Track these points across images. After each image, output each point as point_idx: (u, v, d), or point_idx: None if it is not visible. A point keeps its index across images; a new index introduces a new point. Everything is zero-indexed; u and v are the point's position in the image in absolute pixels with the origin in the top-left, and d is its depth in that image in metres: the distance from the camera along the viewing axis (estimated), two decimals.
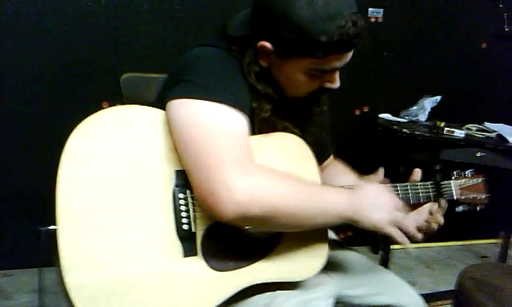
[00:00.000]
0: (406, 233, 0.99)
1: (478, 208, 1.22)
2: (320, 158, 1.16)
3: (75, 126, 0.84)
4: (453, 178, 1.20)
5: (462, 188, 1.19)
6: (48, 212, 0.81)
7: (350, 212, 0.93)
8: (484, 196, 1.21)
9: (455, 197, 1.18)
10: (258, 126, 0.99)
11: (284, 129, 1.03)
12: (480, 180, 1.22)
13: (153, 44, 2.11)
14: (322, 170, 1.16)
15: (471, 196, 1.20)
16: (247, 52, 0.97)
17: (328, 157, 1.29)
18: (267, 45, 0.94)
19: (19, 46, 1.94)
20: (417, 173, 1.14)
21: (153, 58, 2.11)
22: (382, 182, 1.08)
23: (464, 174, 1.22)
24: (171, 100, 0.89)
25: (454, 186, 1.19)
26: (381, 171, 1.12)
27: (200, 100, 0.86)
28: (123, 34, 2.07)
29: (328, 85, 1.00)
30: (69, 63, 2.01)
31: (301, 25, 0.88)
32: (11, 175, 2.05)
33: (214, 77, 0.91)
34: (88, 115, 0.86)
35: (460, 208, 1.20)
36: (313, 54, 0.91)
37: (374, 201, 0.96)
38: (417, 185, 1.12)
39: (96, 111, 0.87)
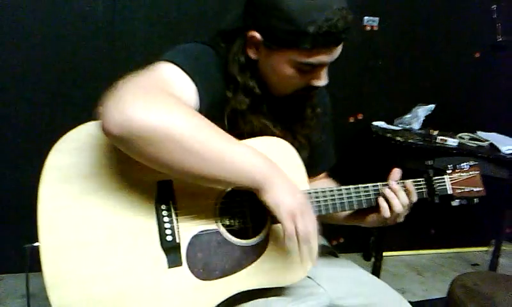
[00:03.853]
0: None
1: (475, 201, 1.20)
2: (310, 170, 1.08)
3: (65, 132, 0.84)
4: (447, 172, 1.18)
5: (457, 183, 1.18)
6: (36, 217, 0.81)
7: (261, 178, 0.85)
8: (481, 189, 1.20)
9: (449, 192, 1.16)
10: (230, 116, 0.98)
11: (263, 127, 1.01)
12: (476, 172, 1.20)
13: (150, 50, 2.10)
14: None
15: (467, 189, 1.18)
16: (235, 42, 0.98)
17: (318, 174, 1.23)
18: (257, 35, 0.94)
19: (15, 50, 1.93)
20: (396, 173, 1.10)
21: (150, 64, 2.11)
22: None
23: (460, 167, 1.19)
24: None
25: (448, 181, 1.17)
26: (397, 171, 1.09)
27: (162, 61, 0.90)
28: (120, 39, 2.06)
29: (315, 82, 0.98)
30: (65, 68, 2.00)
31: (290, 15, 0.88)
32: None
33: (186, 56, 0.93)
34: (81, 121, 0.86)
35: (457, 202, 1.18)
36: (301, 45, 0.90)
37: (289, 185, 0.88)
38: (404, 183, 1.10)
39: (91, 116, 0.85)
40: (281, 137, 1.03)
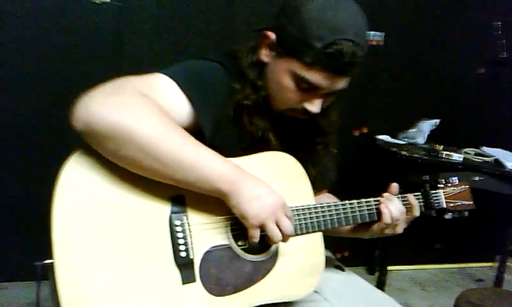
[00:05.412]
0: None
1: (466, 214, 1.23)
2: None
3: (75, 143, 0.84)
4: (441, 186, 1.21)
5: (450, 197, 1.20)
6: (42, 226, 0.80)
7: (225, 186, 0.84)
8: (470, 203, 1.23)
9: (443, 206, 1.19)
10: (235, 112, 0.98)
11: (265, 132, 1.00)
12: (466, 187, 1.23)
13: (157, 62, 2.12)
14: None
15: (458, 203, 1.21)
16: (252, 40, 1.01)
17: (319, 191, 1.19)
18: (272, 35, 0.96)
19: (23, 60, 1.95)
20: (394, 188, 1.10)
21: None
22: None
23: (451, 182, 1.22)
24: None
25: (443, 195, 1.19)
26: (395, 186, 1.10)
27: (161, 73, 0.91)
28: (128, 50, 2.08)
29: (307, 105, 0.97)
30: (73, 78, 2.01)
31: (304, 24, 0.89)
32: (4, 187, 2.04)
33: (188, 73, 0.94)
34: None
35: (449, 215, 1.21)
36: (303, 57, 0.90)
37: (259, 192, 0.86)
38: (406, 197, 1.12)
39: None
40: (281, 150, 1.02)
